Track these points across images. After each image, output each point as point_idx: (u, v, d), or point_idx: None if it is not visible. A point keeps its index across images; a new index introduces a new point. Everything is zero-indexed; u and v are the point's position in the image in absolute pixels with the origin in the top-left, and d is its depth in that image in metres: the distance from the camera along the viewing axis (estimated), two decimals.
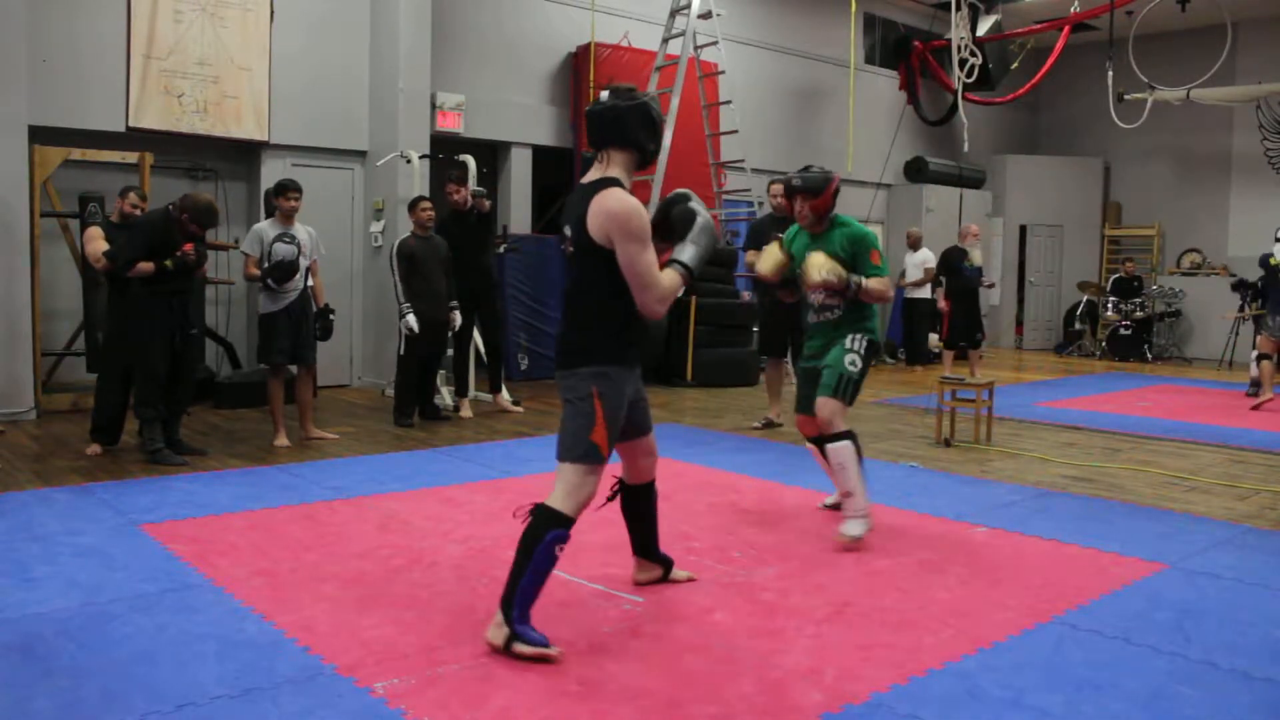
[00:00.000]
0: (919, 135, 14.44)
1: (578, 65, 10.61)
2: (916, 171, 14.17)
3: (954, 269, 9.84)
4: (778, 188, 6.91)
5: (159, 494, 4.92)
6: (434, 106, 9.38)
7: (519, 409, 7.83)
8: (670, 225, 3.18)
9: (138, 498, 4.82)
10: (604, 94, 3.16)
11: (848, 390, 4.20)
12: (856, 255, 4.29)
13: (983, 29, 12.18)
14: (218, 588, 3.52)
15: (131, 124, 7.95)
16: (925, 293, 11.90)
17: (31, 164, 7.16)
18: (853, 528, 4.12)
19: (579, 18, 10.55)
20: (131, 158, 7.69)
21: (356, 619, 3.23)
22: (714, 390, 9.37)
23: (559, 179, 10.94)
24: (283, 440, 6.28)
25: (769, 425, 7.26)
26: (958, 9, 11.33)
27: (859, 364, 4.22)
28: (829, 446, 4.17)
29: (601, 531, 4.31)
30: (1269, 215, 13.96)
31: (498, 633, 2.97)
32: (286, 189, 6.29)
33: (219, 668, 2.82)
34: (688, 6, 10.04)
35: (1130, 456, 6.39)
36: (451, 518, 4.56)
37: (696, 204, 3.21)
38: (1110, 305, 13.69)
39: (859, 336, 4.26)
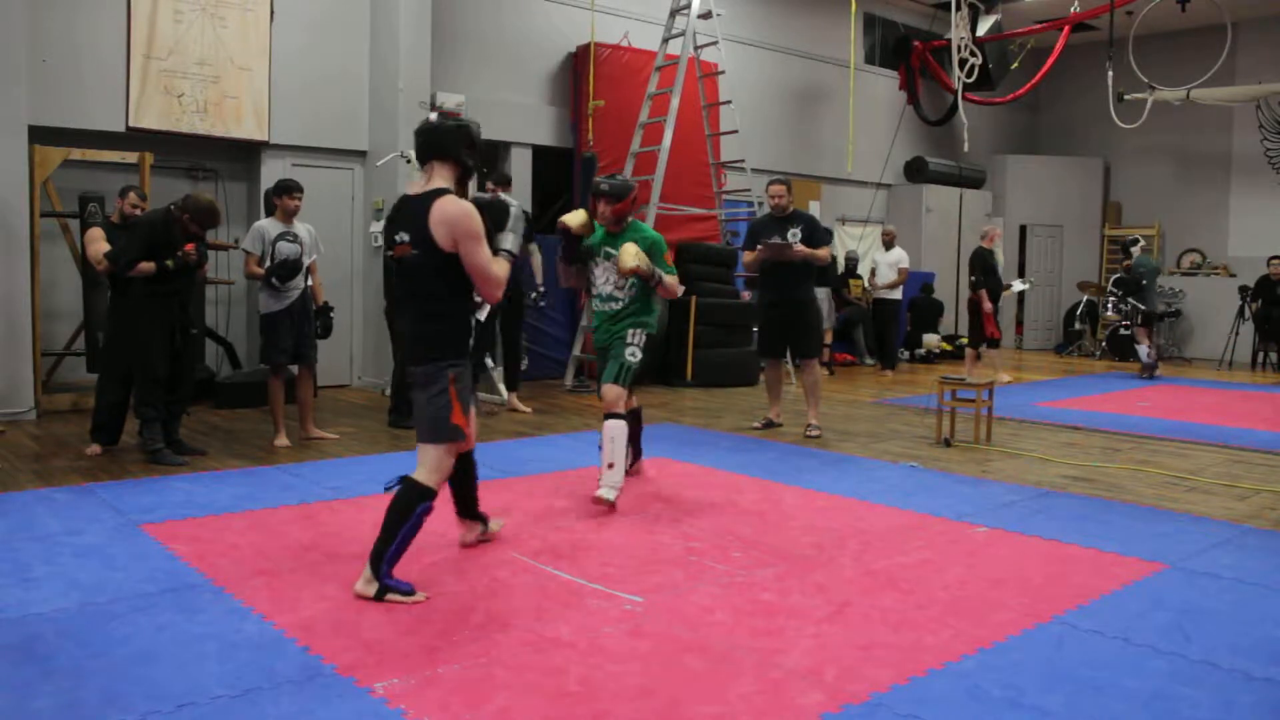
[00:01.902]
0: (919, 135, 14.44)
1: (578, 65, 10.60)
2: (916, 171, 14.18)
3: (991, 269, 9.93)
4: (777, 188, 6.97)
5: (159, 494, 4.91)
6: (434, 107, 9.38)
7: (527, 410, 7.83)
8: (487, 218, 3.53)
9: (138, 498, 4.82)
10: (432, 115, 3.62)
11: (627, 376, 4.90)
12: (651, 255, 4.89)
13: (983, 29, 12.17)
14: (218, 588, 3.52)
15: (131, 124, 7.96)
16: (897, 294, 11.81)
17: (31, 164, 7.15)
18: (608, 493, 4.75)
19: (579, 18, 10.55)
20: (131, 158, 7.69)
21: (356, 619, 3.23)
22: (714, 390, 9.36)
23: (559, 179, 10.93)
24: (283, 440, 6.28)
25: (769, 425, 7.26)
26: (958, 9, 11.33)
27: (638, 355, 4.94)
28: (606, 422, 4.79)
29: (603, 532, 4.32)
30: (1269, 215, 14.00)
31: (368, 587, 3.41)
32: (292, 189, 6.29)
33: (219, 668, 2.82)
34: (688, 6, 10.04)
35: (1130, 456, 6.39)
36: (452, 518, 4.55)
37: (509, 198, 3.48)
38: (1110, 305, 13.69)
39: (639, 331, 4.95)
